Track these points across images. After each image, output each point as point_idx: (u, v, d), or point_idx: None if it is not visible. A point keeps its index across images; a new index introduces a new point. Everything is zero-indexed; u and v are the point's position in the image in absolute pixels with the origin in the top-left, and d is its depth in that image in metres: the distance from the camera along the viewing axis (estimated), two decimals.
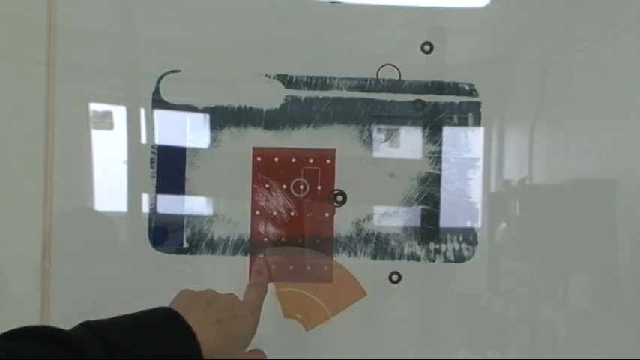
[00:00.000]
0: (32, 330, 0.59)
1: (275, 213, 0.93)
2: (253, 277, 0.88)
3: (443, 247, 0.94)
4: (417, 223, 0.94)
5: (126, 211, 0.94)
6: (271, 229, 0.93)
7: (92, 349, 0.58)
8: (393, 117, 0.94)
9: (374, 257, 0.94)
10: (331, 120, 0.94)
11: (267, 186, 0.93)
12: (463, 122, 0.95)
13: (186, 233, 0.93)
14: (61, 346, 0.57)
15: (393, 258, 0.94)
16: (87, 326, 0.61)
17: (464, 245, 0.94)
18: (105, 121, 0.95)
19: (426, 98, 0.94)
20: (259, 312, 0.80)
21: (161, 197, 0.93)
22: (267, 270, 0.89)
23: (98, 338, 0.59)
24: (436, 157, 0.94)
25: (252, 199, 0.93)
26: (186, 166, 0.93)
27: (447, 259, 0.94)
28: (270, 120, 0.93)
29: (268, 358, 0.93)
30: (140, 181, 0.93)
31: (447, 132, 0.95)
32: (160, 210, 0.93)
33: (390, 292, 0.94)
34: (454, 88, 0.94)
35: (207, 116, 0.93)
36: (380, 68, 0.94)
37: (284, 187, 0.93)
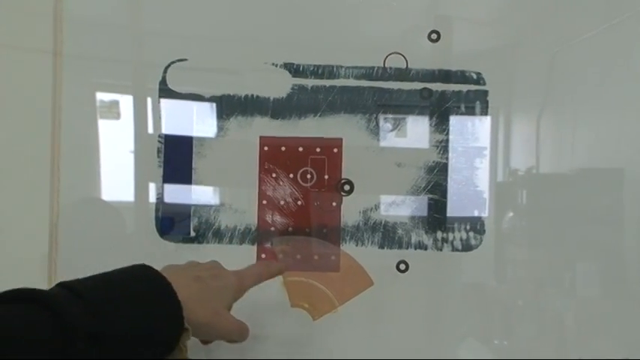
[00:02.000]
0: (10, 293, 0.59)
1: (282, 202, 0.93)
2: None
3: (450, 236, 0.94)
4: (425, 212, 0.94)
5: (133, 200, 0.94)
6: (278, 219, 0.93)
7: (69, 305, 0.58)
8: (400, 106, 0.94)
9: (381, 246, 0.94)
10: (338, 109, 0.94)
11: (274, 175, 0.93)
12: (470, 111, 0.95)
13: (193, 222, 0.93)
14: (39, 305, 0.57)
15: (400, 247, 0.94)
16: (63, 286, 0.62)
17: (471, 234, 0.94)
18: (112, 110, 0.95)
19: (433, 87, 0.94)
20: (246, 280, 0.79)
21: (168, 187, 0.93)
22: (275, 268, 0.87)
23: (74, 295, 0.60)
24: (443, 146, 0.94)
25: (259, 188, 0.93)
26: (193, 155, 0.93)
27: (454, 248, 0.94)
28: (277, 109, 0.93)
29: (275, 349, 0.94)
30: (147, 170, 0.93)
31: (455, 121, 0.94)
32: (167, 199, 0.93)
33: (397, 281, 0.94)
34: (461, 77, 0.94)
35: (214, 105, 0.93)
36: (387, 57, 0.94)
37: (291, 176, 0.93)
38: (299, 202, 0.94)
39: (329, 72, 0.93)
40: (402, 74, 0.94)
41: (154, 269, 0.68)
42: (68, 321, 0.57)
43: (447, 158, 0.94)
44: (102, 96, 0.94)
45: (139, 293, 0.64)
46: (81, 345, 0.57)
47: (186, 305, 0.66)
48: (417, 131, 0.95)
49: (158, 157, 0.92)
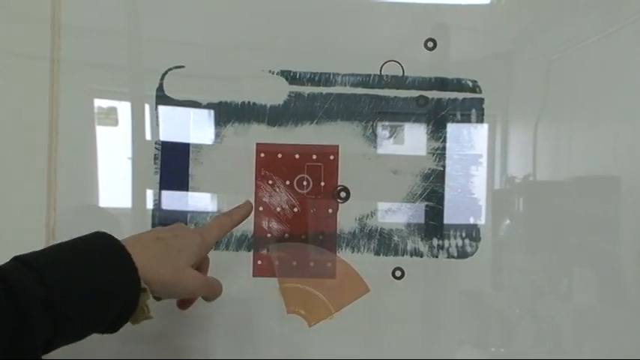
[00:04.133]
0: None
1: (278, 209, 0.94)
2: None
3: (446, 243, 0.94)
4: (421, 219, 0.94)
5: (130, 207, 0.94)
6: (274, 225, 0.94)
7: (20, 276, 0.59)
8: (397, 113, 0.94)
9: (377, 253, 0.94)
10: (335, 116, 0.94)
11: (270, 182, 0.93)
12: (466, 119, 0.95)
13: None
14: None
15: (396, 254, 0.94)
16: (17, 259, 0.62)
17: (467, 241, 0.94)
18: (109, 117, 0.95)
19: (429, 94, 0.94)
20: (208, 236, 0.79)
21: (165, 193, 0.93)
22: (237, 216, 0.85)
23: (26, 266, 0.60)
24: (440, 154, 0.94)
25: (256, 195, 0.93)
26: (190, 162, 0.93)
27: (450, 255, 0.94)
28: (274, 116, 0.94)
29: (271, 354, 0.94)
30: (144, 177, 0.93)
31: (451, 128, 0.95)
32: (164, 206, 0.93)
33: (393, 288, 0.94)
34: (457, 85, 0.94)
35: (211, 112, 0.94)
36: (383, 64, 0.94)
37: (287, 183, 0.94)
38: (295, 209, 0.94)
39: (325, 79, 0.94)
40: (399, 82, 0.94)
41: (110, 236, 0.68)
42: (20, 291, 0.58)
43: (443, 166, 0.95)
44: (100, 102, 0.95)
45: (92, 258, 0.65)
46: (34, 313, 0.58)
47: (144, 266, 0.67)
48: (413, 139, 0.95)
49: (155, 163, 0.92)
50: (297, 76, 0.94)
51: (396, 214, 0.94)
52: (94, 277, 0.64)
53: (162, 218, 0.92)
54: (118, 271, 0.66)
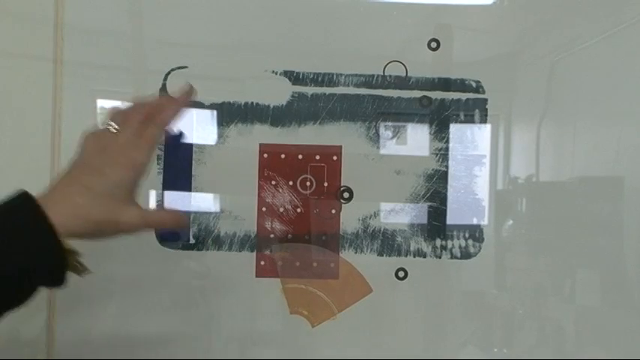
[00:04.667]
0: None
1: (281, 209, 0.94)
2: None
3: (449, 243, 0.94)
4: (424, 219, 0.94)
5: None
6: (278, 226, 0.94)
7: None
8: (400, 114, 0.94)
9: (380, 254, 0.94)
10: (338, 116, 0.94)
11: (273, 182, 0.93)
12: (470, 119, 0.95)
13: (193, 229, 0.93)
14: None
15: (399, 255, 0.94)
16: None
17: (470, 242, 0.94)
18: None
19: (432, 95, 0.94)
20: (143, 155, 0.71)
21: (168, 193, 0.93)
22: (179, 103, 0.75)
23: None
24: (443, 154, 0.94)
25: (259, 195, 0.93)
26: (193, 162, 0.93)
27: (453, 256, 0.94)
28: (277, 116, 0.94)
29: (274, 355, 0.94)
30: (147, 177, 0.93)
31: (454, 129, 0.95)
32: (167, 206, 0.93)
33: (396, 288, 0.94)
34: (461, 85, 0.94)
35: (214, 112, 0.94)
36: (387, 65, 0.94)
37: (290, 183, 0.94)
38: (298, 210, 0.94)
39: (329, 80, 0.94)
40: (402, 82, 0.94)
41: (27, 197, 0.64)
42: None
43: (446, 166, 0.94)
44: (102, 103, 0.94)
45: (7, 228, 0.62)
46: None
47: (68, 223, 0.63)
48: (416, 139, 0.95)
49: (158, 163, 0.92)
50: (300, 77, 0.94)
51: (399, 214, 0.94)
52: (8, 249, 0.61)
53: None
54: (37, 239, 0.62)
